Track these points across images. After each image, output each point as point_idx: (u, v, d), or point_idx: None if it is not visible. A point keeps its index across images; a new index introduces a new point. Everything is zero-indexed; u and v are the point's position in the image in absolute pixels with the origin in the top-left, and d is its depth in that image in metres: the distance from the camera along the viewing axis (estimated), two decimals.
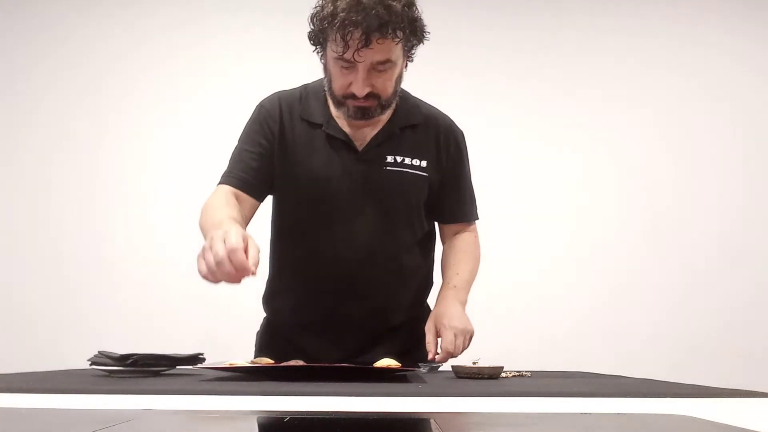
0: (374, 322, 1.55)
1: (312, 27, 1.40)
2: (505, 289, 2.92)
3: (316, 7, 1.38)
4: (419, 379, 1.24)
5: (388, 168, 1.51)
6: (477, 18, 3.12)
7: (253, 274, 1.18)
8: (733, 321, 2.99)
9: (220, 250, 1.16)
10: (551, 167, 3.07)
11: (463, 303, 1.57)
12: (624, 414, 0.80)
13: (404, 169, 1.52)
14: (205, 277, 1.19)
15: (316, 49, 1.45)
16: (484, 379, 1.27)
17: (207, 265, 1.18)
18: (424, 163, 1.54)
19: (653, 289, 3.01)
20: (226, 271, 1.16)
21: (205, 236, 1.32)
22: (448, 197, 1.62)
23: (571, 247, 3.02)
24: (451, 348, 1.46)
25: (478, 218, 1.70)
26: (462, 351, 1.48)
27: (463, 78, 3.07)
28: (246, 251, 1.17)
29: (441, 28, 3.05)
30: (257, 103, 1.58)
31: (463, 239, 1.67)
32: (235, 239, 1.17)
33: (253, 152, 1.51)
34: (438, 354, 1.48)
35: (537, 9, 3.16)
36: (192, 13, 3.09)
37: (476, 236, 1.70)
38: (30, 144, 3.03)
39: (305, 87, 1.58)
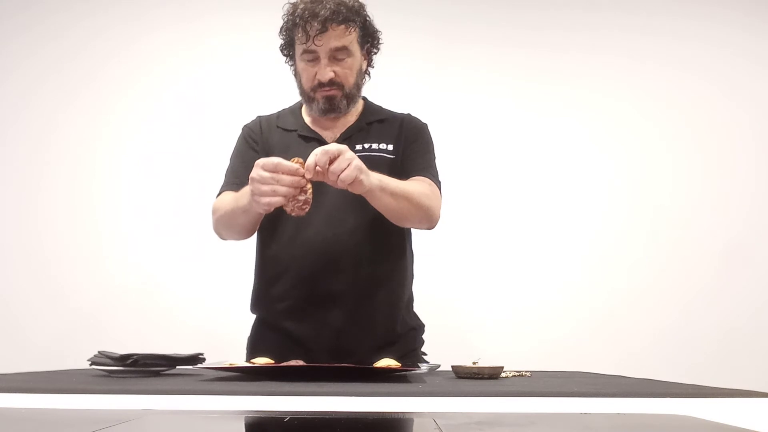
0: (357, 295, 1.59)
1: (282, 37, 1.63)
2: (506, 289, 2.92)
3: (282, 17, 1.60)
4: (419, 379, 1.24)
5: (356, 154, 1.55)
6: (481, 15, 3.11)
7: (305, 173, 1.32)
8: (733, 321, 2.98)
9: (265, 169, 1.33)
10: (550, 166, 3.06)
11: (373, 180, 1.44)
12: (624, 414, 0.80)
13: (371, 153, 1.63)
14: (269, 202, 1.34)
15: (287, 60, 1.67)
16: (484, 379, 1.27)
17: (263, 189, 1.33)
18: (390, 147, 1.67)
19: (653, 290, 3.01)
20: (284, 180, 1.32)
21: (232, 215, 1.54)
22: (407, 166, 1.65)
23: (572, 247, 3.01)
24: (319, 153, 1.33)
25: (438, 185, 1.66)
26: (322, 164, 1.33)
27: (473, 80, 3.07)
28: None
29: (445, 23, 3.05)
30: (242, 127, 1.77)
31: (415, 178, 1.62)
32: (268, 159, 1.34)
33: (244, 163, 1.64)
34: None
35: (542, 7, 3.16)
36: (185, 12, 3.09)
37: (431, 185, 1.62)
38: (20, 142, 3.03)
39: (282, 109, 1.79)
